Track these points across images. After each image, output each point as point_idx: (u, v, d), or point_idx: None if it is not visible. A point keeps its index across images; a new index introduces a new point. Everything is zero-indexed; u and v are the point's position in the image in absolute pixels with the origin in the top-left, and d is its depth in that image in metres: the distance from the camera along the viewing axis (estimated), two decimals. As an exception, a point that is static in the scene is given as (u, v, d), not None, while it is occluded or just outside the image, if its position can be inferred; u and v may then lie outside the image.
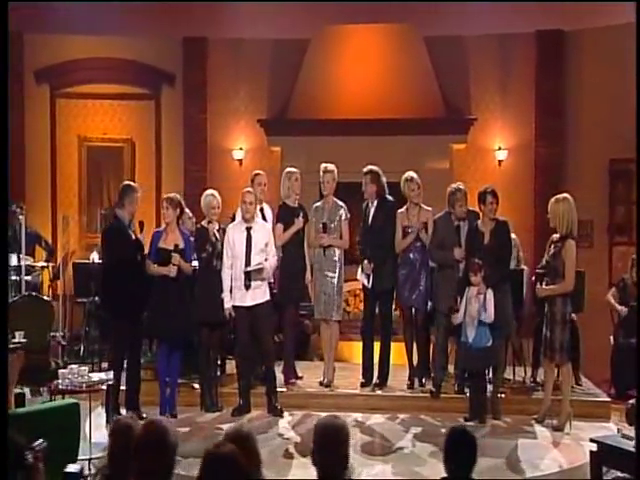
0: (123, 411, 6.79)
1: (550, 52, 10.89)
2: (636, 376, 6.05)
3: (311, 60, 10.90)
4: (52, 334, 8.67)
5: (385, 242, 7.53)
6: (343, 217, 7.59)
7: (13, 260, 9.07)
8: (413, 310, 7.61)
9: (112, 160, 11.33)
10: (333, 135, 10.56)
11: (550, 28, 10.78)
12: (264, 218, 7.60)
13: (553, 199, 6.81)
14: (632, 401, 5.39)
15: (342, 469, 3.31)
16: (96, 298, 8.68)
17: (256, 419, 7.02)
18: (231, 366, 7.81)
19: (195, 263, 7.24)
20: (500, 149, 11.07)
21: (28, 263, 9.31)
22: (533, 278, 7.26)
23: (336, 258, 7.57)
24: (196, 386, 7.51)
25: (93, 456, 5.46)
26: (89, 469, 4.88)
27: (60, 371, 6.14)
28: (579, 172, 10.72)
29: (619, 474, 5.17)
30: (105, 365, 7.72)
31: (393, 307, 7.77)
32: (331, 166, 7.67)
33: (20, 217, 9.30)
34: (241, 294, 7.01)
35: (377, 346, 7.65)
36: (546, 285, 6.74)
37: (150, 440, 2.96)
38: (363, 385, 7.66)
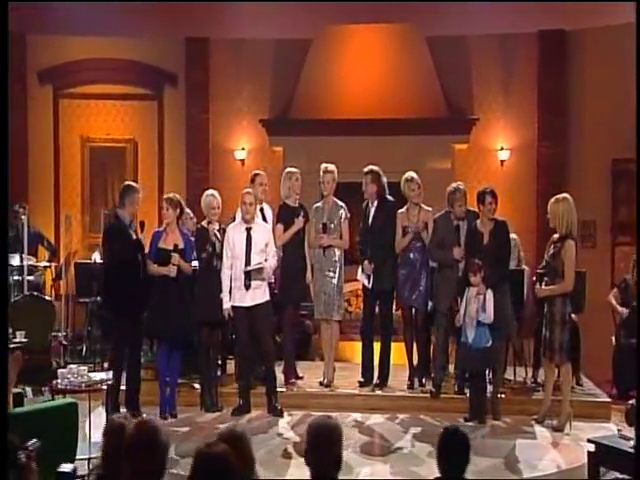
0: (123, 411, 6.82)
1: (552, 52, 10.87)
2: (636, 376, 6.03)
3: (313, 60, 10.90)
4: (53, 334, 8.70)
5: (385, 242, 7.53)
6: (343, 217, 7.60)
7: (16, 260, 9.10)
8: (413, 310, 7.61)
9: (115, 160, 11.35)
10: (335, 135, 10.56)
11: (552, 28, 10.75)
12: (264, 218, 7.61)
13: (553, 199, 6.81)
14: (632, 401, 5.37)
15: (335, 469, 3.30)
16: (98, 298, 8.70)
17: (256, 419, 7.03)
18: (231, 366, 7.83)
19: (195, 263, 7.26)
20: (502, 149, 11.05)
21: (31, 263, 9.33)
22: (534, 278, 7.25)
23: (336, 258, 7.57)
24: (196, 386, 7.52)
25: (92, 456, 5.47)
26: (88, 469, 4.90)
27: (59, 371, 6.16)
28: (582, 172, 10.70)
29: (618, 475, 5.16)
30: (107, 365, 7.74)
31: (393, 307, 7.77)
32: (331, 166, 7.67)
33: (23, 217, 9.34)
34: (241, 294, 7.02)
35: (377, 346, 7.65)
36: (546, 285, 6.73)
37: (141, 440, 2.97)
38: (361, 385, 7.67)
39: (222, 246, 7.11)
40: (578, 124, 10.82)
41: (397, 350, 7.85)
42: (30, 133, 11.21)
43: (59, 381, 5.98)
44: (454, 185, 7.43)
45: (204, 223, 7.29)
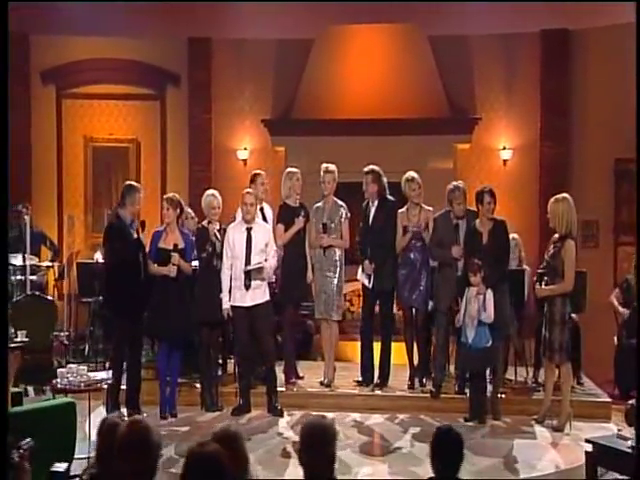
0: (124, 410, 6.84)
1: (555, 51, 10.83)
2: (636, 376, 6.02)
3: (315, 60, 10.89)
4: (55, 333, 8.72)
5: (386, 242, 7.53)
6: (343, 217, 7.60)
7: (18, 260, 9.13)
8: (413, 310, 7.61)
9: (118, 160, 11.36)
10: (337, 135, 10.54)
11: (555, 27, 10.71)
12: (264, 218, 7.62)
13: (552, 199, 6.81)
14: (632, 401, 5.36)
15: (329, 469, 3.32)
16: (100, 298, 8.72)
17: (256, 419, 7.05)
18: (232, 366, 7.84)
19: (195, 263, 7.27)
20: (505, 149, 11.02)
21: (33, 263, 9.36)
22: (534, 278, 7.25)
23: (336, 258, 7.58)
24: (197, 385, 7.53)
25: (91, 455, 5.49)
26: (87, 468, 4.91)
27: (59, 370, 6.19)
28: (584, 172, 10.67)
29: (618, 476, 5.15)
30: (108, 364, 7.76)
31: (394, 307, 7.77)
32: (332, 166, 7.68)
33: (26, 217, 9.36)
34: (241, 294, 7.03)
35: (377, 346, 7.66)
36: (546, 285, 6.73)
37: (133, 440, 2.98)
38: (359, 384, 7.67)
39: (222, 246, 7.12)
40: (581, 124, 10.79)
41: (397, 350, 7.85)
42: (33, 133, 11.22)
43: (59, 381, 6.01)
44: (454, 183, 7.44)
45: (204, 223, 7.31)
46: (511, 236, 7.86)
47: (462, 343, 6.94)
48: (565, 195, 6.84)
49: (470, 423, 6.87)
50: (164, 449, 5.93)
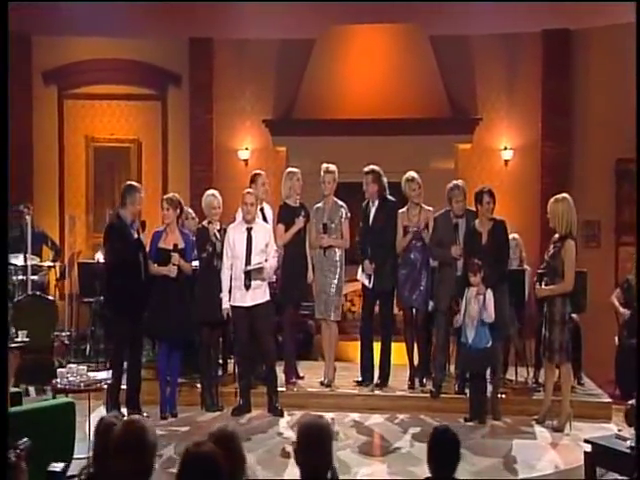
0: (124, 410, 6.85)
1: (557, 51, 10.82)
2: (636, 377, 6.01)
3: (316, 60, 10.89)
4: (56, 334, 8.73)
5: (386, 242, 7.53)
6: (343, 217, 7.60)
7: (20, 260, 9.15)
8: (414, 310, 7.61)
9: (119, 160, 11.38)
10: (339, 135, 10.54)
11: (556, 27, 10.70)
12: (265, 218, 7.62)
13: (552, 199, 6.80)
14: (632, 402, 5.35)
15: (325, 469, 3.31)
16: (101, 298, 8.73)
17: (256, 419, 7.06)
18: (232, 366, 7.84)
19: (195, 263, 7.27)
20: (506, 149, 11.01)
21: (34, 263, 9.38)
22: (535, 279, 7.24)
23: (337, 258, 7.58)
24: (198, 385, 7.53)
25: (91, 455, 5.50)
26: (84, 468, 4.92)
27: (59, 370, 6.20)
28: (586, 172, 10.66)
29: (617, 477, 5.15)
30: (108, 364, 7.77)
31: (394, 307, 7.77)
32: (332, 166, 7.68)
33: (27, 217, 9.38)
34: (241, 294, 7.03)
35: (378, 346, 7.66)
36: (545, 285, 6.72)
37: (129, 440, 2.98)
38: (359, 384, 7.67)
39: (222, 246, 7.12)
40: (582, 124, 10.78)
41: (397, 350, 7.85)
42: (35, 133, 11.25)
43: (58, 381, 6.02)
44: (453, 182, 7.45)
45: (205, 223, 7.31)
46: (512, 236, 7.87)
47: (462, 343, 6.94)
48: (565, 195, 6.83)
49: (470, 423, 6.87)
50: (164, 449, 6.02)
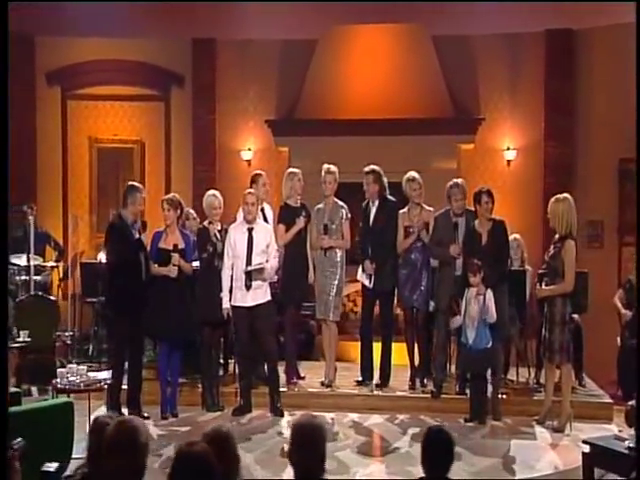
0: (125, 410, 6.87)
1: (559, 51, 10.79)
2: (636, 377, 6.00)
3: (319, 60, 10.89)
4: (58, 333, 8.76)
5: (386, 242, 7.54)
6: (344, 217, 7.60)
7: (23, 260, 9.18)
8: (414, 310, 7.61)
9: (122, 161, 11.41)
10: (341, 135, 10.54)
11: (559, 27, 10.68)
12: (265, 218, 7.63)
13: (553, 199, 6.79)
14: (631, 402, 5.35)
15: (319, 469, 3.31)
16: (103, 298, 8.75)
17: (257, 419, 7.06)
18: (233, 366, 7.85)
19: (196, 263, 7.29)
20: (509, 149, 10.99)
21: (38, 263, 9.41)
22: (536, 279, 7.24)
23: (337, 259, 7.58)
24: (199, 385, 7.54)
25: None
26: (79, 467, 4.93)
27: (59, 370, 6.22)
28: (589, 172, 10.64)
29: (617, 477, 5.14)
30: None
31: (394, 307, 7.77)
32: (333, 167, 7.69)
33: (30, 217, 9.41)
34: (242, 294, 7.04)
35: (378, 346, 7.66)
36: (546, 286, 6.71)
37: (121, 440, 2.99)
38: (359, 384, 7.67)
39: (223, 246, 7.13)
40: (585, 123, 10.75)
41: (398, 350, 7.85)
42: (38, 134, 11.28)
43: (58, 380, 6.04)
44: (453, 180, 7.45)
45: (205, 223, 7.33)
46: (513, 236, 7.88)
47: (462, 344, 6.94)
48: (566, 195, 6.82)
49: (470, 424, 6.86)
50: (164, 449, 6.03)
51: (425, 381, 7.64)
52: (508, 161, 11.01)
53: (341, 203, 7.66)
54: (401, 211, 7.59)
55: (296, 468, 3.29)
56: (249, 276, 7.01)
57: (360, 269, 7.66)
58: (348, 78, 10.88)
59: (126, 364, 7.10)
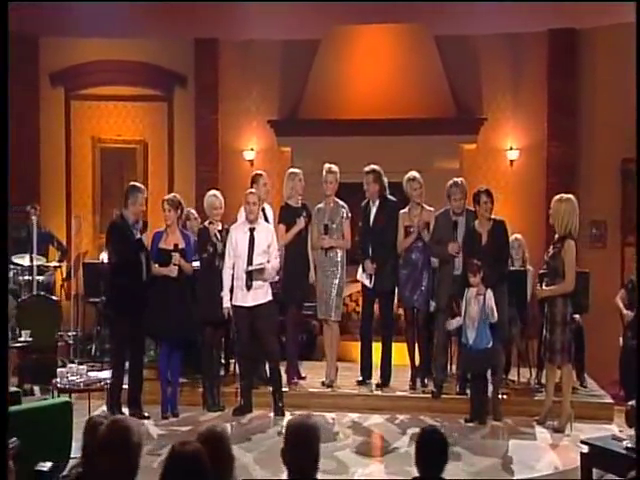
0: (125, 410, 6.89)
1: (562, 51, 10.76)
2: (636, 377, 5.99)
3: (321, 60, 10.89)
4: (60, 333, 8.78)
5: (387, 242, 7.54)
6: (344, 217, 7.61)
7: (26, 260, 9.21)
8: (415, 310, 7.60)
9: (125, 161, 11.43)
10: (343, 135, 10.53)
11: (562, 27, 10.65)
12: (265, 218, 7.64)
13: (557, 197, 6.78)
14: (631, 402, 5.34)
15: (313, 469, 3.32)
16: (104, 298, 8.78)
17: (257, 418, 7.07)
18: (234, 365, 7.86)
19: (196, 263, 7.30)
20: (512, 149, 10.97)
21: (41, 263, 9.44)
22: (536, 279, 7.23)
23: (338, 259, 7.58)
24: (200, 385, 7.55)
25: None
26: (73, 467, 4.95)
27: (59, 370, 6.23)
28: (592, 172, 10.61)
29: (615, 478, 5.13)
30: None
31: (394, 307, 7.77)
32: (334, 167, 7.69)
33: (33, 217, 9.44)
34: (242, 294, 7.04)
35: (379, 346, 7.66)
36: (546, 286, 6.70)
37: (113, 439, 2.99)
38: (359, 383, 7.67)
39: (223, 246, 7.14)
40: (588, 123, 10.72)
41: (399, 350, 7.85)
42: (42, 134, 11.29)
43: (58, 380, 6.05)
44: (453, 179, 7.44)
45: (206, 223, 7.34)
46: (514, 236, 7.87)
47: (463, 344, 6.94)
48: (569, 196, 6.80)
49: (471, 424, 6.86)
50: (164, 449, 6.02)
51: (426, 381, 7.64)
52: (511, 161, 10.99)
53: (341, 203, 7.66)
54: (402, 211, 7.59)
55: (289, 468, 3.30)
56: (250, 276, 7.02)
57: (360, 269, 7.66)
58: (350, 78, 10.88)
59: (127, 364, 7.12)
